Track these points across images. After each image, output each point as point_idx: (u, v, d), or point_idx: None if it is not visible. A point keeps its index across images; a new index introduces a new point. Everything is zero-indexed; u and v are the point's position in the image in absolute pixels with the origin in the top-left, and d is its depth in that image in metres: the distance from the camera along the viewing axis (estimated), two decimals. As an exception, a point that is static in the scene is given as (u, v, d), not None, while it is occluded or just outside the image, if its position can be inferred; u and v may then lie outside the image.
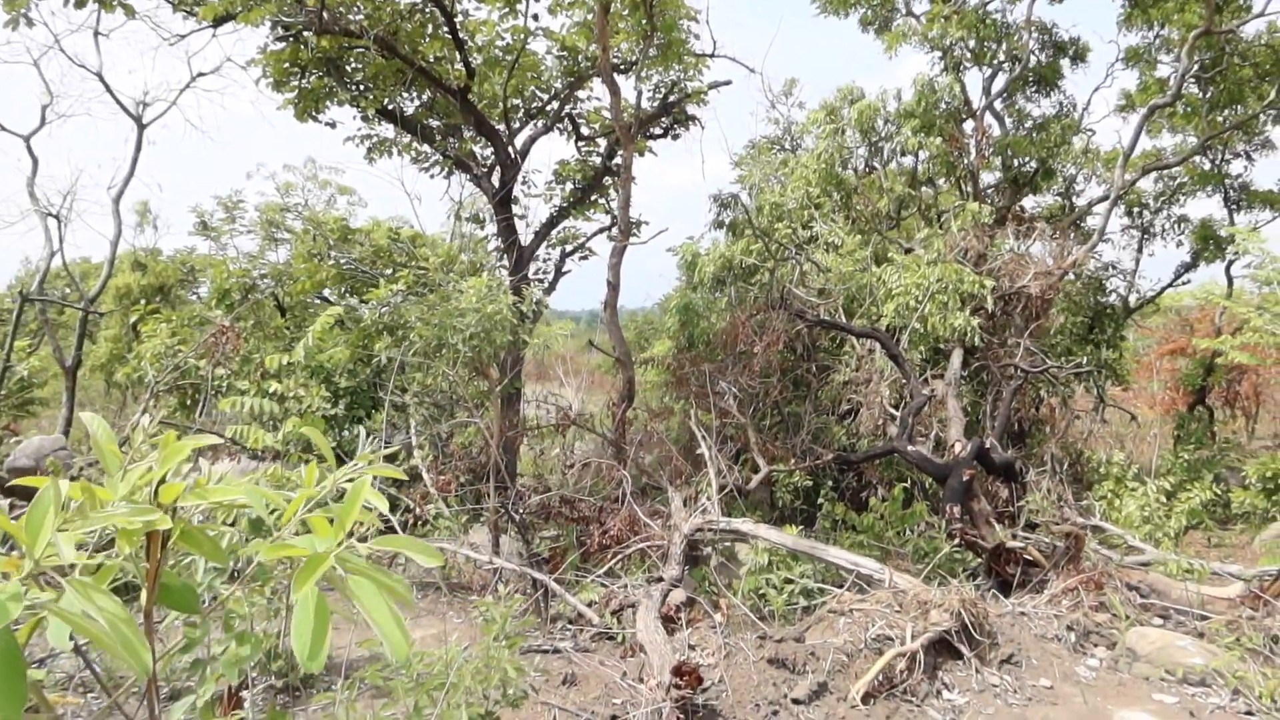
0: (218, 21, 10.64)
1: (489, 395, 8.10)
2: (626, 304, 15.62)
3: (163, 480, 1.37)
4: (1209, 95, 14.57)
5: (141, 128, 10.84)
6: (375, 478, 1.60)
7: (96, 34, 10.58)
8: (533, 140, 11.38)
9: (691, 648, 5.70)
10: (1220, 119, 14.86)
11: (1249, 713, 5.63)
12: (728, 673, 5.37)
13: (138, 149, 10.86)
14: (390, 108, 11.30)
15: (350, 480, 1.57)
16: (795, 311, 11.46)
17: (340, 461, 6.67)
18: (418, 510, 8.33)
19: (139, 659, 1.16)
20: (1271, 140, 16.00)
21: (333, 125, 11.35)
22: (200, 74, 11.09)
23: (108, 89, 10.71)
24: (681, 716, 4.76)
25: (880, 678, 5.58)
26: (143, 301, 16.58)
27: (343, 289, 12.01)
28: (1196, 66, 13.88)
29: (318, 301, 13.58)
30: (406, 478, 2.05)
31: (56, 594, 1.18)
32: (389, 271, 9.48)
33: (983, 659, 6.28)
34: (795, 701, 5.19)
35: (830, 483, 10.67)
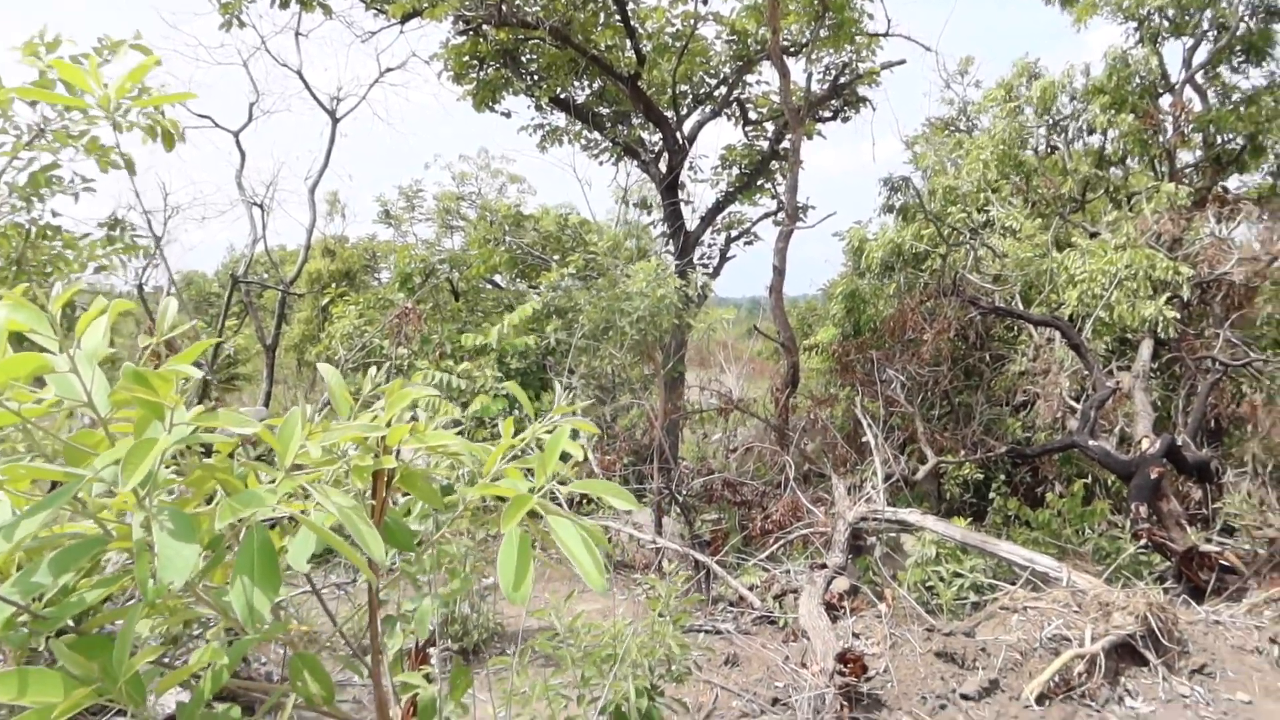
0: (405, 18, 11.21)
1: (653, 378, 8.22)
2: (790, 290, 15.45)
3: (389, 424, 1.49)
4: None
5: (335, 121, 11.57)
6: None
7: (297, 34, 11.35)
8: (700, 126, 11.42)
9: (855, 636, 5.63)
10: None
11: None
12: (893, 663, 5.28)
13: (331, 142, 11.61)
14: (563, 96, 11.60)
15: (548, 432, 1.66)
16: (968, 298, 11.04)
17: (512, 438, 6.82)
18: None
19: (375, 548, 1.28)
20: None
21: (508, 115, 11.77)
22: (388, 69, 11.72)
23: (306, 86, 11.48)
24: (845, 704, 4.72)
25: (1056, 679, 5.34)
26: (332, 285, 17.75)
27: (514, 274, 12.44)
28: None
29: (489, 286, 14.15)
30: (599, 431, 2.14)
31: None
32: (557, 257, 9.75)
33: (1171, 667, 5.91)
34: (964, 697, 5.04)
35: (1002, 476, 10.25)
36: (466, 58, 11.47)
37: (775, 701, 4.97)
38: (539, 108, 11.75)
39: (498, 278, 13.15)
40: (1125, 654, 5.98)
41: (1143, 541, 7.67)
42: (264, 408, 10.76)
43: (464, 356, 7.96)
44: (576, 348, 9.45)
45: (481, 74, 11.64)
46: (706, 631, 6.24)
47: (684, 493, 7.52)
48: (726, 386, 12.87)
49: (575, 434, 1.68)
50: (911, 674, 5.22)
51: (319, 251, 24.52)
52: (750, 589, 6.68)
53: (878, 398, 10.46)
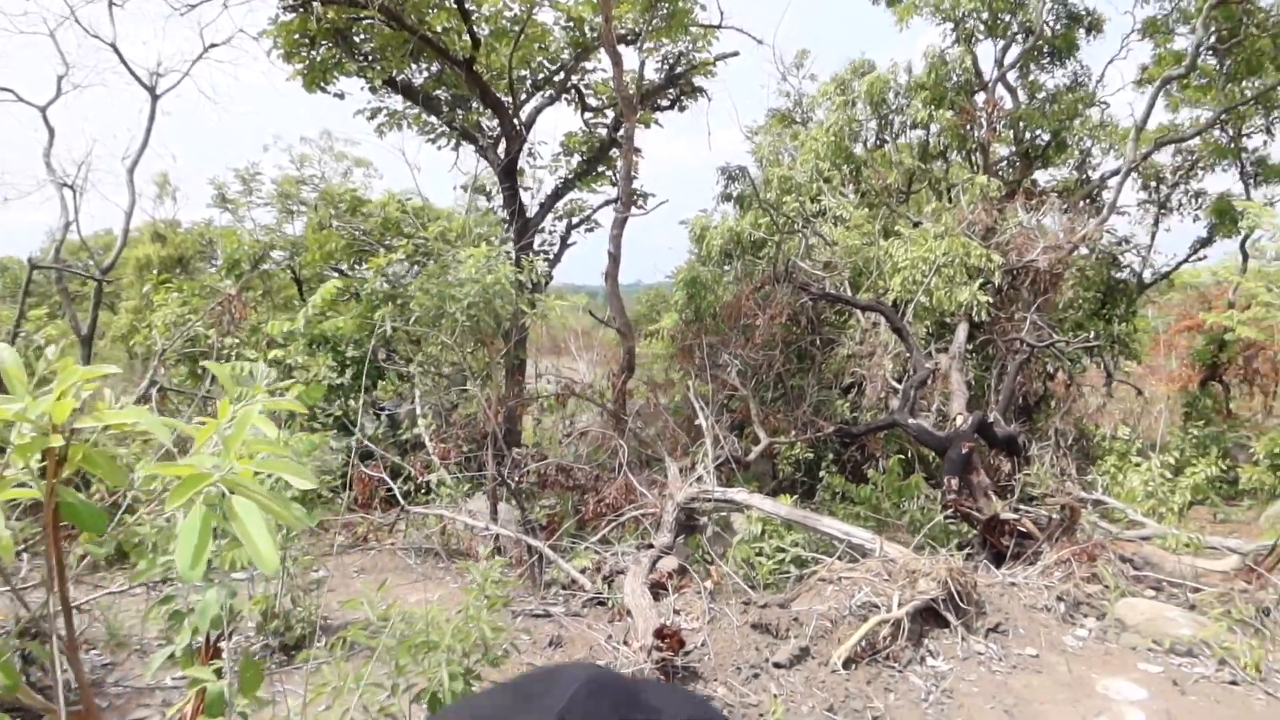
0: (227, -9, 10.70)
1: (490, 365, 8.20)
2: (643, 278, 15.64)
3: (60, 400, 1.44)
4: (1226, 67, 14.35)
5: (155, 98, 10.93)
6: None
7: (111, 4, 10.66)
8: (538, 111, 11.40)
9: (677, 612, 5.80)
10: (1238, 91, 14.64)
11: (1233, 682, 5.67)
12: (711, 637, 5.47)
13: (151, 120, 10.97)
14: (399, 79, 11.34)
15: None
16: (799, 284, 11.47)
17: (346, 431, 6.82)
18: (418, 477, 8.47)
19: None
20: (1293, 113, 15.76)
21: (341, 96, 11.42)
22: (213, 45, 11.14)
23: (122, 60, 10.80)
24: (662, 677, 4.86)
25: (863, 644, 5.66)
26: (159, 272, 16.79)
27: (352, 260, 12.11)
28: (1213, 38, 13.67)
29: (334, 274, 13.73)
30: (305, 409, 2.11)
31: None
32: (400, 242, 9.57)
33: (969, 627, 6.35)
34: (776, 665, 5.28)
35: (831, 455, 10.72)
36: (297, 35, 11.06)
37: (596, 680, 5.07)
38: (373, 90, 11.45)
39: (342, 265, 12.79)
40: (929, 617, 6.38)
41: (951, 512, 8.20)
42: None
43: (279, 344, 7.71)
44: (413, 335, 9.31)
45: (313, 53, 11.25)
46: (536, 615, 6.30)
47: (517, 478, 7.54)
48: (580, 373, 12.95)
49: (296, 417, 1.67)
50: (728, 646, 5.43)
51: (148, 236, 23.13)
52: (582, 572, 6.78)
53: (713, 382, 10.76)
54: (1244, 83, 14.69)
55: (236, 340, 9.23)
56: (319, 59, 11.17)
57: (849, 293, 11.90)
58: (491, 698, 0.70)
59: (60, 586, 1.64)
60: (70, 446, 1.48)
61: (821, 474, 10.20)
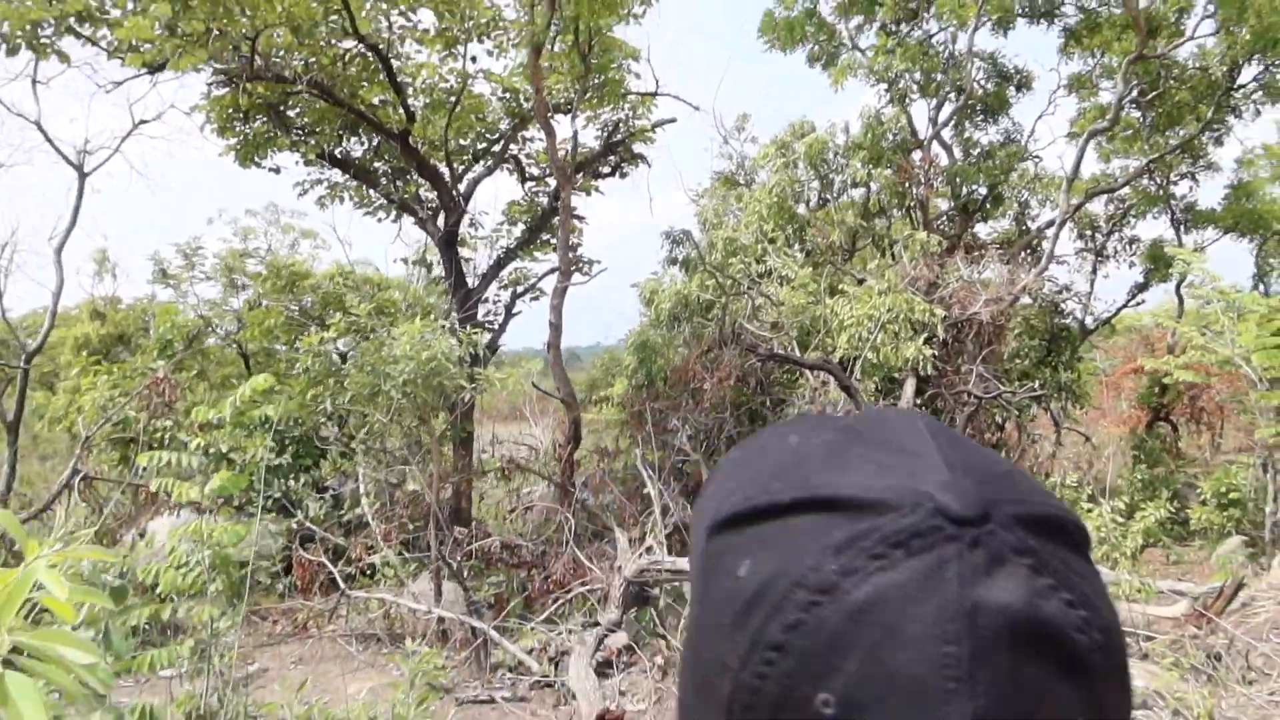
0: (153, 69, 10.61)
1: (432, 441, 8.01)
2: (602, 340, 15.57)
3: None
4: (1149, 119, 14.81)
5: (83, 176, 10.73)
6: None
7: (34, 81, 10.50)
8: (477, 182, 11.39)
9: (623, 693, 5.60)
10: (1162, 142, 15.10)
11: (1188, 736, 5.59)
12: (658, 718, 5.27)
13: (80, 198, 10.74)
14: (335, 153, 11.28)
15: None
16: (747, 346, 11.46)
17: (286, 512, 6.55)
18: (361, 560, 8.21)
19: None
20: (1215, 162, 16.30)
21: (276, 171, 11.33)
22: (143, 121, 11.00)
23: (46, 138, 10.61)
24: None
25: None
26: (96, 351, 16.38)
27: (293, 337, 11.90)
28: (1135, 91, 14.11)
29: (282, 349, 13.47)
30: (115, 558, 1.95)
31: None
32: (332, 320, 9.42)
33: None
34: (726, 746, 5.08)
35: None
36: (230, 111, 10.98)
37: (539, 772, 4.85)
38: (308, 163, 11.38)
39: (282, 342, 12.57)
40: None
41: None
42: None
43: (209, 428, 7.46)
44: (353, 413, 9.10)
45: (246, 128, 11.17)
46: (480, 702, 6.05)
47: (459, 558, 7.32)
48: (536, 438, 12.75)
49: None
50: (676, 728, 5.23)
51: (87, 314, 22.64)
52: (529, 653, 6.55)
53: (664, 447, 10.64)
54: (1167, 133, 15.16)
55: (169, 424, 8.96)
56: (252, 134, 11.08)
57: (797, 352, 11.91)
58: (811, 432, 0.51)
59: None
60: None
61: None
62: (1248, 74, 13.75)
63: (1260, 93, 13.93)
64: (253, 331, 11.63)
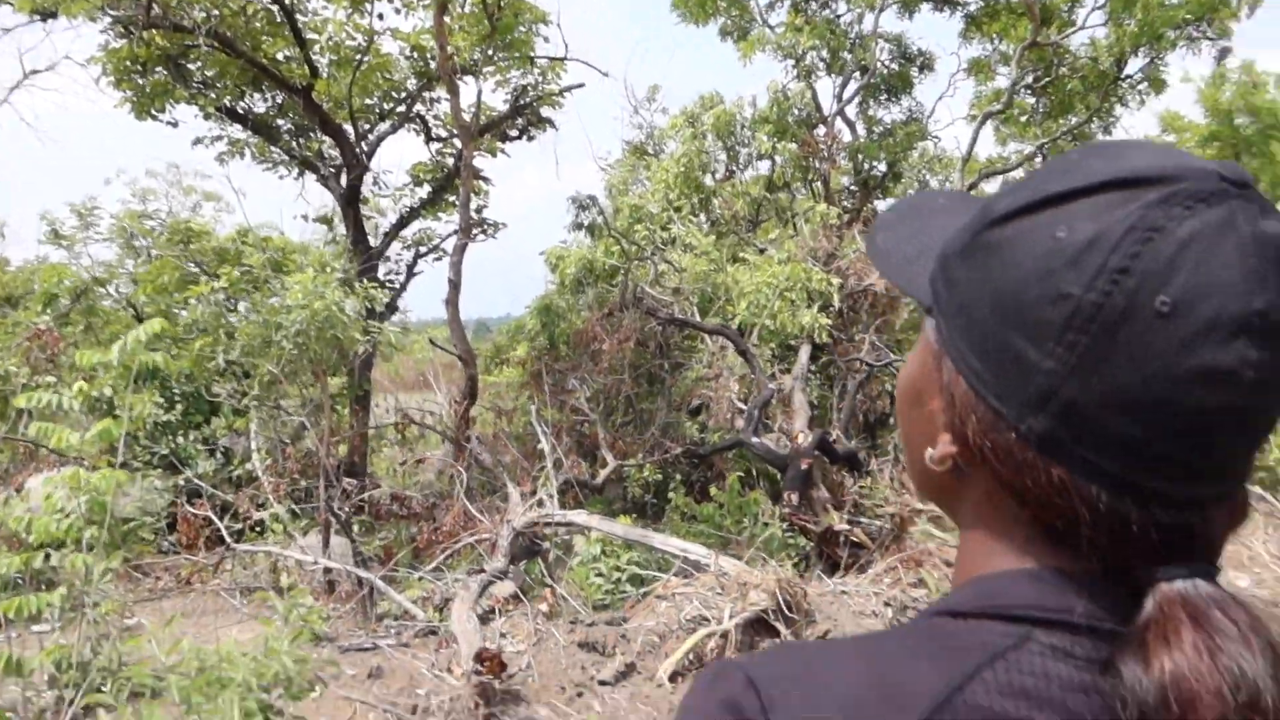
0: (45, 15, 10.23)
1: (324, 396, 8.01)
2: (512, 312, 15.59)
3: None
4: (1042, 106, 15.45)
5: (-36, 125, 10.31)
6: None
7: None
8: (380, 140, 11.29)
9: (503, 635, 5.76)
10: (1054, 127, 15.77)
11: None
12: (536, 658, 5.45)
13: (-39, 148, 10.31)
14: (236, 108, 11.04)
15: None
16: (647, 310, 11.67)
17: (174, 469, 6.53)
18: (249, 516, 8.18)
19: None
20: (1103, 149, 17.04)
21: (174, 125, 11.03)
22: (34, 71, 10.59)
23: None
24: (480, 702, 4.82)
25: (691, 657, 5.74)
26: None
27: (188, 295, 11.65)
28: (1030, 78, 14.70)
29: (182, 313, 13.10)
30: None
31: None
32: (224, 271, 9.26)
33: (797, 635, 6.53)
34: (602, 683, 5.30)
35: (679, 476, 10.88)
36: (127, 62, 10.64)
37: (415, 709, 4.98)
38: (208, 117, 11.10)
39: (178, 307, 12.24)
40: (761, 628, 6.52)
41: (788, 525, 8.45)
42: None
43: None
44: (241, 370, 9.01)
45: (143, 80, 10.85)
46: (364, 649, 6.13)
47: (346, 509, 7.37)
48: (439, 406, 12.75)
49: None
50: (554, 666, 5.42)
51: (-30, 275, 21.64)
52: (415, 602, 6.66)
53: (562, 407, 10.80)
54: (1060, 119, 15.84)
55: (53, 379, 8.72)
56: (149, 86, 10.77)
57: (697, 317, 12.16)
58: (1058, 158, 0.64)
59: None
60: None
61: (670, 495, 10.34)
62: (1134, 65, 14.45)
63: (1145, 84, 14.66)
64: (146, 288, 11.34)
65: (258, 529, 8.15)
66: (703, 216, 14.98)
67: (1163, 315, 0.53)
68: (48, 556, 5.55)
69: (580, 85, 11.66)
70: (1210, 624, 0.54)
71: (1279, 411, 0.57)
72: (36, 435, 6.80)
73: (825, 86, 16.16)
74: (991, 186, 17.67)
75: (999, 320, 0.60)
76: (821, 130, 15.24)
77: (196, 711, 4.00)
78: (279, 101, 11.50)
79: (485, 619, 6.00)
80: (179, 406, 9.65)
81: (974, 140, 13.92)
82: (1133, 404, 0.55)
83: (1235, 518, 0.61)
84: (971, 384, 0.62)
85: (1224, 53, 14.45)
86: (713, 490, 9.76)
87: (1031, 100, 15.85)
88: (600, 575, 6.85)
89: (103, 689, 4.94)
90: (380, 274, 11.50)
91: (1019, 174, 17.19)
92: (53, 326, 8.60)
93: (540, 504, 7.89)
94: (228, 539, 7.57)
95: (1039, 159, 16.77)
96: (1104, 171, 0.58)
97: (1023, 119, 16.53)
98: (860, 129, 16.11)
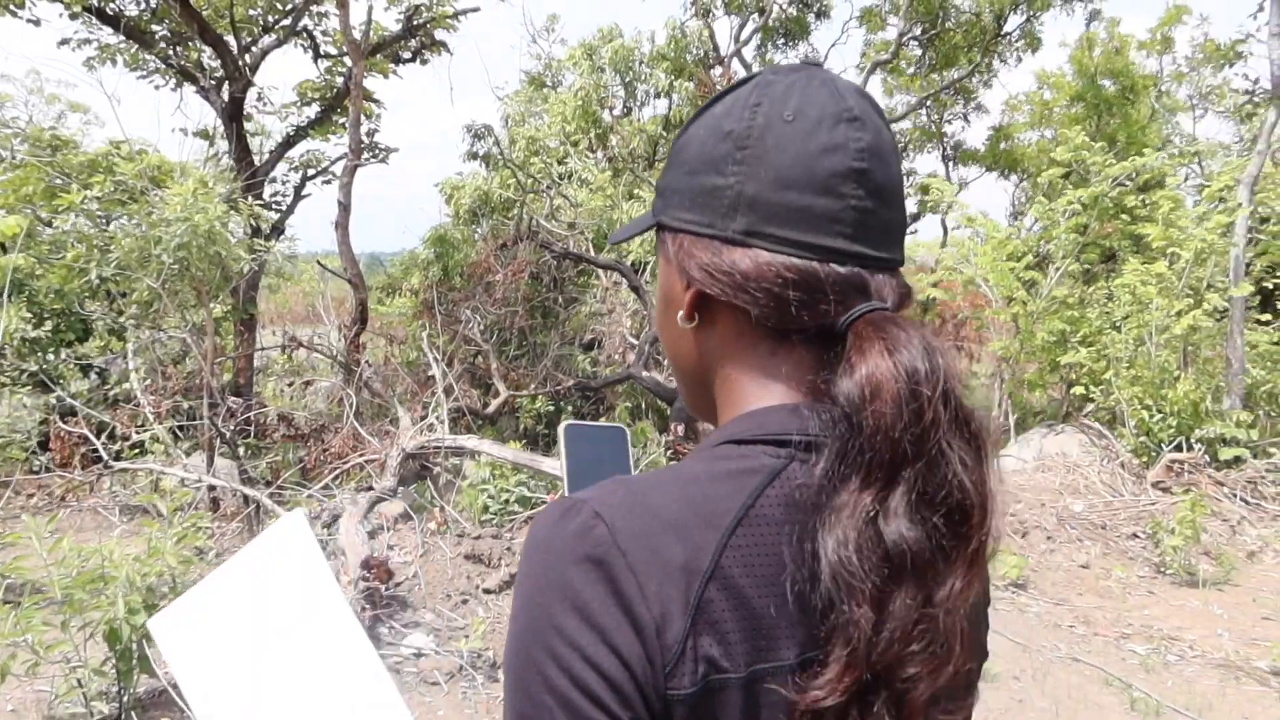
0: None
1: (206, 316, 7.81)
2: (406, 247, 15.30)
3: None
4: (927, 58, 15.95)
5: None
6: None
7: None
8: (265, 54, 10.84)
9: (391, 549, 5.86)
10: (938, 80, 16.32)
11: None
12: (424, 569, 5.58)
13: None
14: (104, 8, 10.42)
15: None
16: (542, 243, 11.68)
17: (46, 388, 6.32)
18: (129, 436, 7.96)
19: None
20: (983, 104, 17.81)
21: (36, 23, 10.32)
22: None
23: None
24: (368, 606, 4.92)
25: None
26: None
27: (53, 207, 11.04)
28: (919, 29, 15.13)
29: (45, 232, 12.37)
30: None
31: None
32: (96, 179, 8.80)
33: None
34: (486, 591, 5.47)
35: (571, 409, 11.05)
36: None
37: (303, 615, 5.05)
38: (74, 17, 10.44)
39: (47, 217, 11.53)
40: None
41: (672, 454, 8.74)
42: None
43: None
44: (116, 290, 8.69)
45: (-1, -31, 10.11)
46: (249, 563, 6.14)
47: (233, 428, 7.27)
48: (331, 339, 12.51)
49: None
50: (440, 576, 5.55)
51: None
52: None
53: (455, 338, 10.78)
54: (944, 72, 16.39)
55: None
56: (7, -24, 10.05)
57: (592, 253, 12.25)
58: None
59: None
60: None
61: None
62: (1013, 23, 15.03)
63: (1022, 42, 15.27)
64: (7, 198, 10.69)
65: (137, 450, 7.95)
66: (600, 153, 14.96)
67: (789, 121, 0.76)
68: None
69: (475, 10, 11.42)
70: (886, 335, 0.72)
71: (884, 174, 0.78)
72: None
73: (723, 27, 16.31)
74: (880, 136, 18.24)
75: (694, 175, 0.81)
76: (719, 71, 15.37)
77: (78, 609, 3.98)
78: (153, 6, 10.90)
79: (373, 535, 6.07)
80: (49, 323, 9.25)
81: (863, 88, 14.26)
82: (791, 181, 0.76)
83: (902, 294, 0.80)
84: (689, 230, 0.81)
85: (1094, 15, 15.18)
86: (603, 421, 9.96)
87: (918, 52, 16.33)
88: (490, 497, 6.98)
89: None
90: (266, 195, 11.14)
91: (904, 125, 17.79)
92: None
93: (431, 429, 7.95)
94: (106, 457, 7.37)
95: (923, 111, 17.39)
96: (732, 84, 0.84)
97: (909, 71, 17.03)
98: (756, 70, 16.30)
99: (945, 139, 17.90)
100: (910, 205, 19.00)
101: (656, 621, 0.65)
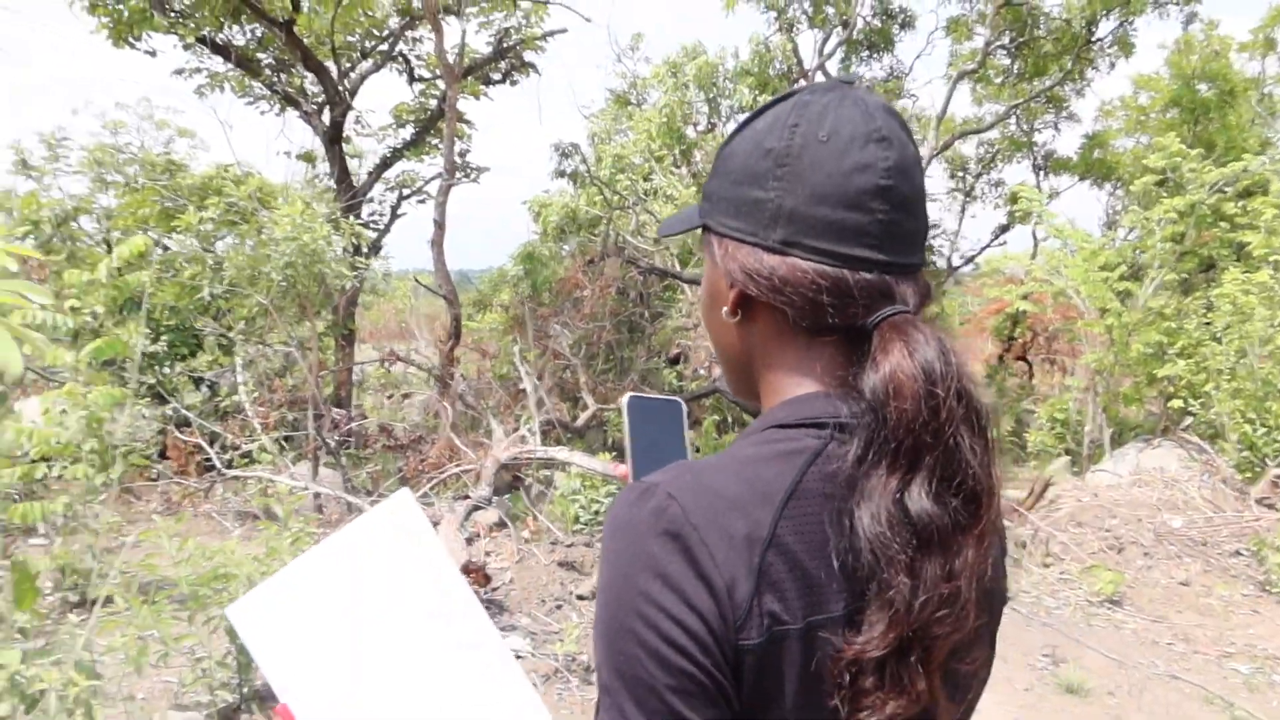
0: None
1: (311, 329, 8.16)
2: (493, 263, 15.72)
3: None
4: (1016, 67, 15.64)
5: (-60, 50, 10.19)
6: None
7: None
8: (363, 79, 11.30)
9: (487, 555, 6.02)
10: (1027, 89, 15.98)
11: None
12: (519, 575, 5.72)
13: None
14: (216, 39, 10.98)
15: None
16: (628, 258, 11.84)
17: (162, 400, 6.71)
18: (239, 446, 8.34)
19: None
20: (1075, 112, 17.38)
21: (153, 54, 10.95)
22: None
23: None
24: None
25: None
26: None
27: (169, 227, 11.65)
28: (1006, 38, 14.87)
29: (158, 253, 13.08)
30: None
31: None
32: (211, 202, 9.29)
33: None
34: (579, 597, 5.58)
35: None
36: (100, -15, 10.54)
37: (406, 617, 5.24)
38: (187, 48, 11.04)
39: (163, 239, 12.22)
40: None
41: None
42: None
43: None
44: (224, 299, 9.11)
45: (120, 7, 10.75)
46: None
47: (335, 438, 7.56)
48: (422, 354, 12.91)
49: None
50: (535, 582, 5.69)
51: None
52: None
53: (545, 352, 11.00)
54: (1034, 81, 16.05)
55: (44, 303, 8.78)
56: (126, 12, 10.68)
57: (677, 268, 12.37)
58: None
59: None
60: None
61: (648, 438, 10.59)
62: (1105, 28, 14.65)
63: (1115, 47, 14.87)
64: (125, 220, 11.33)
65: (246, 459, 8.32)
66: (684, 169, 15.08)
67: (824, 142, 0.84)
68: (49, 469, 5.71)
69: (563, 30, 11.70)
70: (908, 336, 0.82)
71: (908, 188, 0.86)
72: (32, 354, 6.94)
73: (807, 40, 16.29)
74: (967, 147, 17.95)
75: (738, 186, 0.89)
76: (802, 85, 15.35)
77: (202, 604, 4.23)
78: (259, 35, 11.45)
79: (470, 541, 6.25)
80: (164, 338, 9.76)
81: (948, 99, 14.10)
82: (824, 196, 0.84)
83: (923, 293, 0.90)
84: (733, 236, 0.90)
85: (1190, 18, 14.69)
86: (691, 436, 10.04)
87: (1007, 61, 16.03)
88: (581, 507, 7.11)
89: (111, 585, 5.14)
90: (364, 215, 11.56)
91: (993, 135, 17.48)
92: (34, 255, 8.61)
93: (523, 440, 8.13)
94: (219, 465, 7.74)
95: (1013, 120, 17.05)
96: (772, 100, 0.91)
97: (998, 80, 16.72)
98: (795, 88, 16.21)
99: (1035, 148, 17.52)
100: (999, 216, 18.67)
101: (727, 584, 0.76)
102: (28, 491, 6.49)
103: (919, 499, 0.77)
